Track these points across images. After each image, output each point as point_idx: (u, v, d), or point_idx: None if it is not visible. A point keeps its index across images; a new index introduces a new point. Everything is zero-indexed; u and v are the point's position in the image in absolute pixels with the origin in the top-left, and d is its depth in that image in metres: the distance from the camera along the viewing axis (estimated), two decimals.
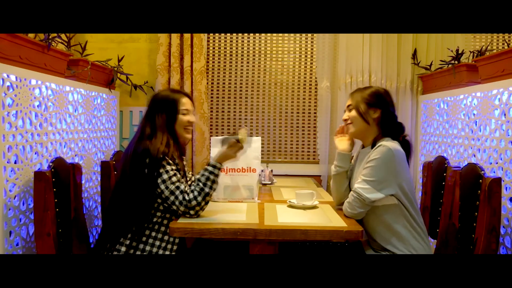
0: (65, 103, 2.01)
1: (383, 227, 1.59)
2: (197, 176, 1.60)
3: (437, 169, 2.15)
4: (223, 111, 3.08)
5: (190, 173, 1.90)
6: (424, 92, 2.86)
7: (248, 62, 3.07)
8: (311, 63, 3.06)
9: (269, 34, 3.05)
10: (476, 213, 1.60)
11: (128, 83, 2.83)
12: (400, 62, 2.88)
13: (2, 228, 1.56)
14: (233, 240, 1.57)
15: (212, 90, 3.07)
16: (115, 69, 2.66)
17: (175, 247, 1.64)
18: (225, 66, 3.07)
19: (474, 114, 2.09)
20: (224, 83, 3.07)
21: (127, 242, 1.59)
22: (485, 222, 1.51)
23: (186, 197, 1.53)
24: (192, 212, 1.54)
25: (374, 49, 2.85)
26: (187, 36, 2.85)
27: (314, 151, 3.08)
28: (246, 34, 3.06)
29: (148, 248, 1.59)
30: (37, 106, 1.78)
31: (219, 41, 3.06)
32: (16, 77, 1.63)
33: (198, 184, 1.56)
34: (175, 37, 2.85)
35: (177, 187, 1.55)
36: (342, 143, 1.76)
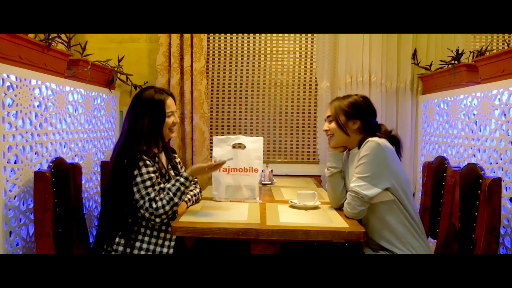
0: (65, 103, 2.01)
1: (380, 224, 1.60)
2: (168, 185, 1.62)
3: (437, 169, 2.15)
4: (223, 111, 3.08)
5: (183, 168, 1.91)
6: (424, 92, 2.86)
7: (248, 62, 3.07)
8: (311, 63, 3.06)
9: (269, 34, 3.05)
10: (476, 213, 1.60)
11: (128, 83, 2.83)
12: (400, 62, 2.88)
13: (2, 228, 1.55)
14: (234, 240, 1.57)
15: (212, 90, 3.07)
16: (115, 69, 2.65)
17: (172, 243, 1.66)
18: (225, 66, 3.07)
19: (474, 114, 2.09)
20: (224, 83, 3.07)
21: (122, 241, 1.62)
22: (485, 222, 1.51)
23: (153, 205, 1.57)
24: (157, 220, 1.58)
25: (374, 49, 2.85)
26: (187, 36, 2.85)
27: (314, 151, 3.08)
28: (246, 34, 3.06)
29: (145, 246, 1.62)
30: (37, 106, 1.78)
31: (219, 41, 3.06)
32: (16, 77, 1.63)
33: (168, 193, 1.59)
34: (175, 37, 2.85)
35: (148, 193, 1.58)
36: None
